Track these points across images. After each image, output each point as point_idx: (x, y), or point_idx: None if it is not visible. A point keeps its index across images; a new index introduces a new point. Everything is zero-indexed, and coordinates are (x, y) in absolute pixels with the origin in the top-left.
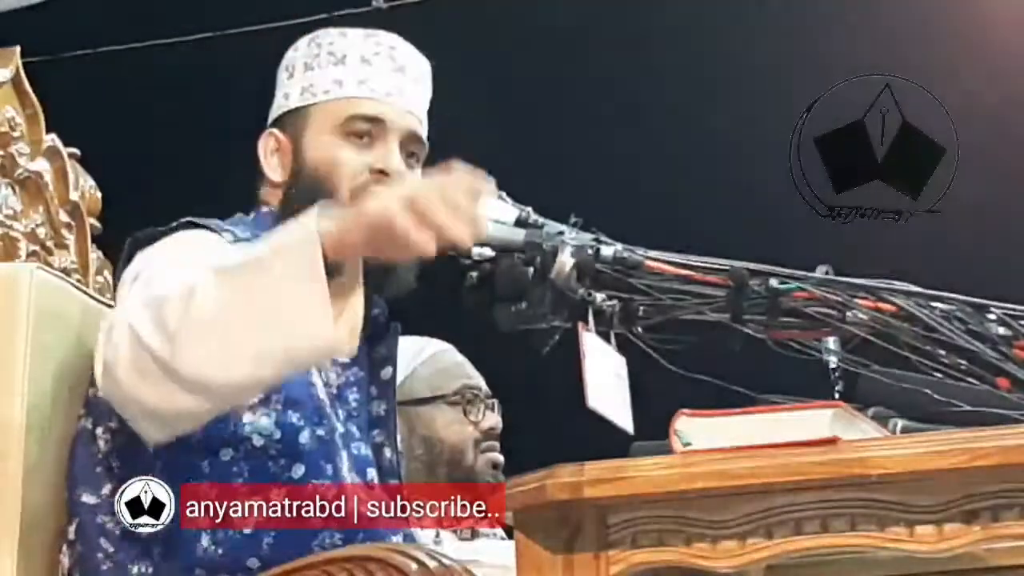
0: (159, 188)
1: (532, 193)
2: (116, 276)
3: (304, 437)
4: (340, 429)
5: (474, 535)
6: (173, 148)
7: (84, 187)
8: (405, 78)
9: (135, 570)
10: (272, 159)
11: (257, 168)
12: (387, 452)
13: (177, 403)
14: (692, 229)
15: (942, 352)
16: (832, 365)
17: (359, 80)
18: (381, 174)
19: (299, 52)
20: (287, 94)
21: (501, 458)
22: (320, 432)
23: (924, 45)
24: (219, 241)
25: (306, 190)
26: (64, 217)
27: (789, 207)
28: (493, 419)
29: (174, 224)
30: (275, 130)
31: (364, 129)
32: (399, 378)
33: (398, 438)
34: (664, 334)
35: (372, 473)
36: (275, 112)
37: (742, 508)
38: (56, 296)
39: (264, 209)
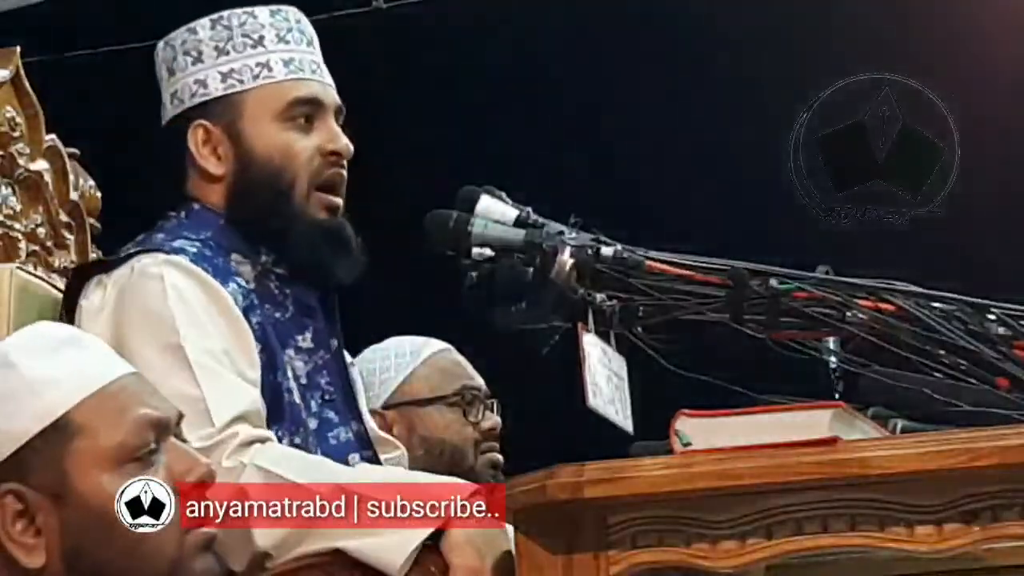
0: (159, 188)
1: (532, 193)
2: (68, 304)
3: (284, 444)
4: (312, 424)
5: None
6: (172, 148)
7: (84, 187)
8: (315, 51)
9: None
10: (204, 150)
11: (184, 162)
12: (354, 425)
13: None
14: (692, 229)
15: (942, 352)
16: (832, 365)
17: (284, 61)
18: (333, 155)
19: (203, 35)
20: (201, 81)
21: (501, 458)
22: (297, 440)
23: (924, 45)
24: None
25: (260, 183)
26: (64, 217)
27: (789, 207)
28: (493, 419)
29: (123, 255)
30: (204, 121)
31: (306, 112)
32: (399, 379)
33: (361, 406)
34: (664, 334)
35: (354, 457)
36: (190, 100)
37: (742, 508)
38: (35, 296)
39: (196, 206)
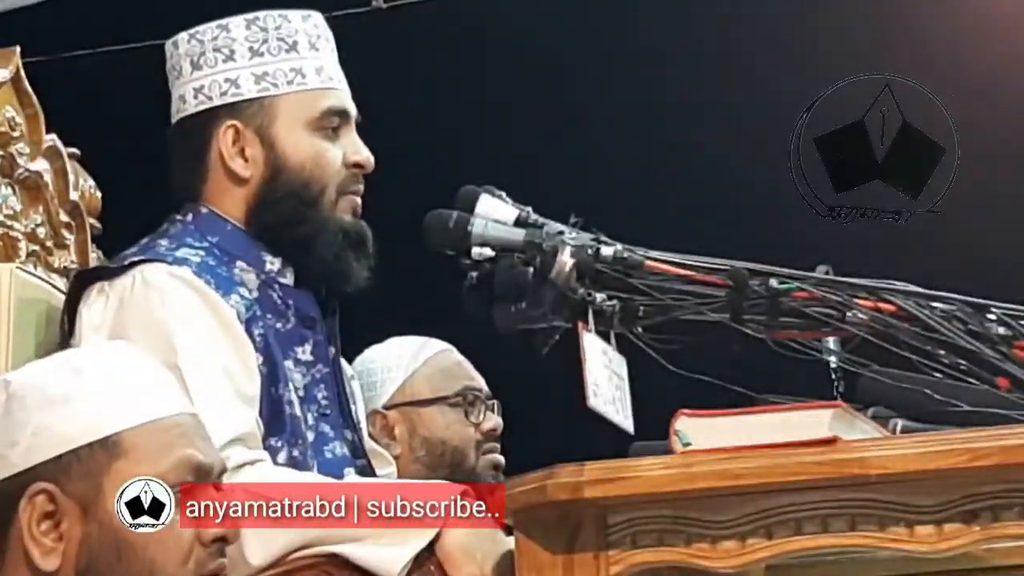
0: (159, 188)
1: (532, 193)
2: (69, 309)
3: (282, 458)
4: (310, 437)
5: None
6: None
7: (84, 187)
8: (336, 59)
9: None
10: (233, 151)
11: (196, 160)
12: (348, 435)
13: None
14: (692, 229)
15: (942, 352)
16: (832, 365)
17: (316, 69)
18: (357, 167)
19: (236, 33)
20: (232, 80)
21: (502, 459)
22: (296, 453)
23: (924, 45)
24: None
25: (289, 190)
26: (64, 217)
27: (789, 207)
28: (494, 420)
29: (126, 264)
30: (235, 121)
31: (335, 123)
32: (400, 380)
33: (355, 417)
34: (664, 334)
35: (348, 472)
36: (220, 99)
37: (742, 508)
38: (36, 296)
39: (204, 210)
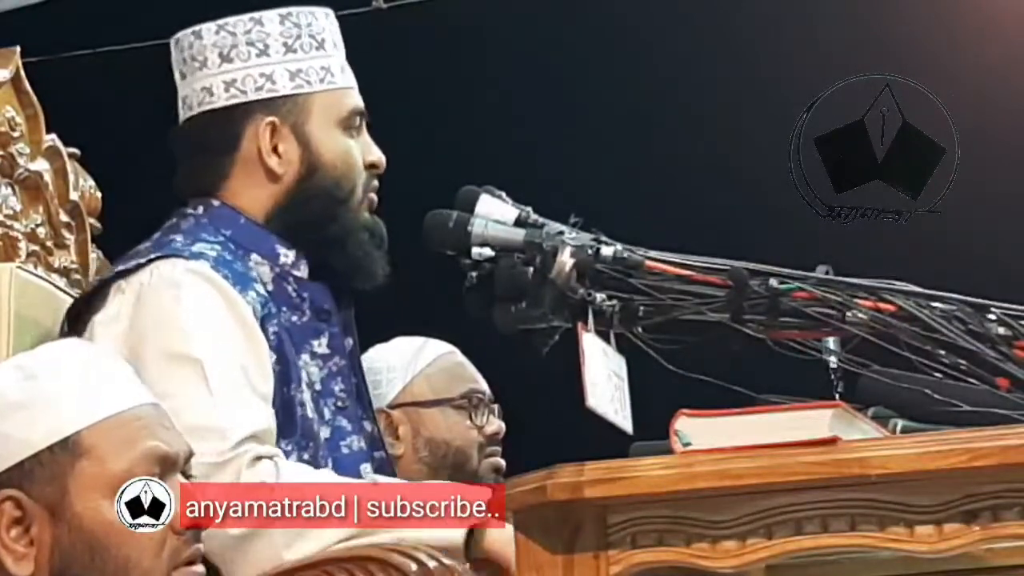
0: (159, 188)
1: (532, 193)
2: (81, 309)
3: (292, 461)
4: (324, 434)
5: None
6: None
7: (84, 187)
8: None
9: None
10: (269, 147)
11: (214, 153)
12: (367, 426)
13: None
14: (692, 229)
15: (942, 352)
16: (832, 365)
17: (340, 67)
18: (373, 168)
19: (270, 28)
20: (267, 75)
21: (503, 463)
22: (306, 456)
23: (924, 45)
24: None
25: (322, 189)
26: (64, 217)
27: (789, 207)
28: (497, 424)
29: (143, 261)
30: (273, 117)
31: (358, 124)
32: (404, 380)
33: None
34: (664, 334)
35: (366, 468)
36: (255, 93)
37: (742, 508)
38: (36, 296)
39: (216, 203)
